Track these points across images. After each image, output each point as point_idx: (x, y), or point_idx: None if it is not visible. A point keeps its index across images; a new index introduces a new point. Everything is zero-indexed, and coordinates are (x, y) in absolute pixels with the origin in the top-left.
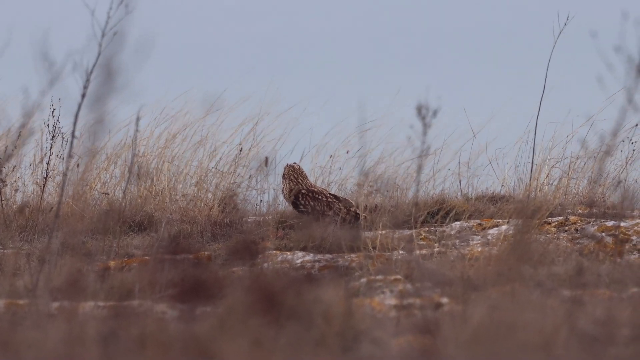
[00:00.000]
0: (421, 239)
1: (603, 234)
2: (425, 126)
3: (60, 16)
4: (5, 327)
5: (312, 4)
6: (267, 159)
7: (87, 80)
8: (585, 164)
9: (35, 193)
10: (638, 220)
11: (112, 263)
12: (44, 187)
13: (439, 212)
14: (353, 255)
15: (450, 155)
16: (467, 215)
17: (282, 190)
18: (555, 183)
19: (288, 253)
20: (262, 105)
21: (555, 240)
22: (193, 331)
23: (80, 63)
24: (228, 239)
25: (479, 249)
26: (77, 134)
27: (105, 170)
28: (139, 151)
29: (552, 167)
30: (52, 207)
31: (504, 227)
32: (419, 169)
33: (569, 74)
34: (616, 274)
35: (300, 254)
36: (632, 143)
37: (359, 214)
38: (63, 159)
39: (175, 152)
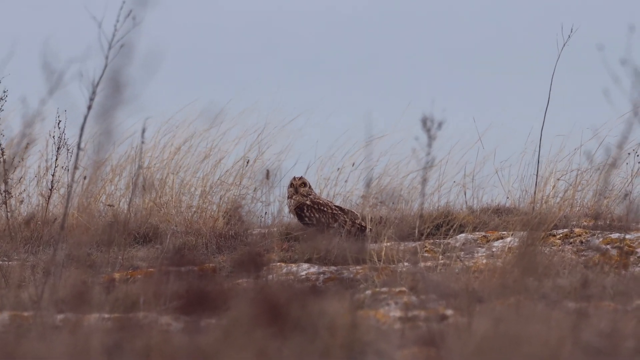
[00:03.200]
0: (426, 251)
1: (608, 246)
2: (430, 138)
3: (64, 27)
4: (10, 339)
5: (318, 15)
6: (268, 172)
7: (94, 92)
8: (590, 176)
9: (40, 205)
10: None
11: (117, 275)
12: (49, 198)
13: (443, 224)
14: (358, 267)
15: (455, 167)
16: (471, 228)
17: (287, 203)
18: (561, 195)
19: (293, 265)
20: (267, 116)
21: (560, 253)
22: (198, 343)
23: (85, 74)
24: (233, 251)
25: (484, 261)
26: (82, 145)
27: (110, 182)
28: (143, 163)
29: (557, 179)
30: (56, 219)
31: (509, 239)
32: (424, 181)
33: (574, 86)
34: (621, 287)
35: (305, 266)
36: (638, 155)
37: (364, 226)
38: (68, 170)
39: (180, 164)
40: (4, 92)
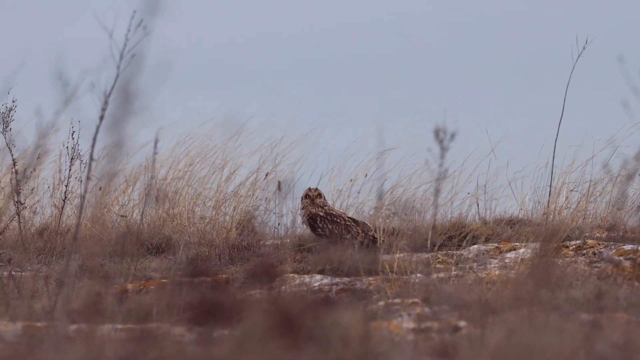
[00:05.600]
0: (439, 262)
1: (621, 258)
2: (443, 149)
3: (77, 38)
4: (24, 349)
5: (330, 25)
6: (280, 183)
7: (106, 103)
8: (603, 187)
9: (53, 215)
10: None
11: (130, 286)
12: (62, 209)
13: (456, 235)
14: (371, 278)
15: (468, 178)
16: (484, 239)
17: (301, 214)
18: (574, 206)
19: (306, 276)
20: (282, 130)
21: (573, 264)
22: (211, 354)
23: (97, 85)
24: (246, 262)
25: (497, 272)
26: (95, 156)
27: (124, 192)
28: (157, 174)
29: (570, 190)
30: (70, 230)
31: (522, 250)
32: (437, 192)
33: (589, 97)
34: (634, 298)
35: (318, 277)
36: None
37: (376, 238)
38: (81, 181)
39: (194, 175)
40: (13, 101)
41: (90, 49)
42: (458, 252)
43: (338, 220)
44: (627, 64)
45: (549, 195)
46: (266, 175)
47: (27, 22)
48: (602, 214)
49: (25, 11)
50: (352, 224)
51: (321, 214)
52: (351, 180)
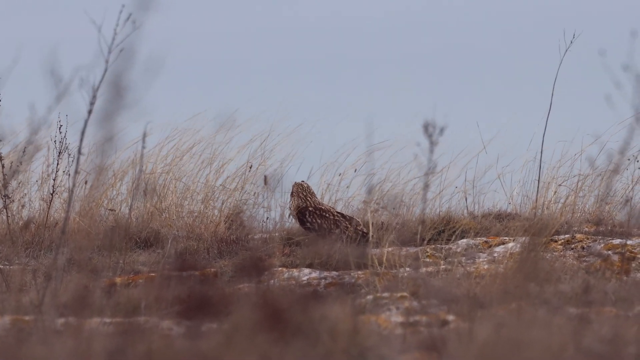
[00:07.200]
0: (427, 256)
1: (609, 252)
2: (432, 144)
3: (69, 33)
4: (12, 343)
5: (323, 20)
6: (266, 177)
7: (94, 97)
8: (592, 182)
9: (41, 209)
10: None
11: (118, 279)
12: (50, 203)
13: (445, 229)
14: (359, 272)
15: (457, 173)
16: (473, 233)
17: (290, 208)
18: (562, 201)
19: (294, 270)
20: (271, 124)
21: (562, 258)
22: (199, 348)
23: (87, 79)
24: (234, 255)
25: (486, 266)
26: (84, 150)
27: (112, 186)
28: (146, 168)
29: (559, 185)
30: (57, 223)
31: (511, 244)
32: (426, 186)
33: (577, 91)
34: (622, 292)
35: (307, 271)
36: (638, 161)
37: (365, 232)
38: (69, 175)
39: (183, 169)
40: None
41: (84, 45)
42: (447, 247)
43: (327, 214)
44: (611, 58)
45: (538, 189)
46: (250, 167)
47: (20, 19)
48: (590, 209)
49: (18, 8)
50: (341, 218)
51: (310, 208)
52: (340, 175)
